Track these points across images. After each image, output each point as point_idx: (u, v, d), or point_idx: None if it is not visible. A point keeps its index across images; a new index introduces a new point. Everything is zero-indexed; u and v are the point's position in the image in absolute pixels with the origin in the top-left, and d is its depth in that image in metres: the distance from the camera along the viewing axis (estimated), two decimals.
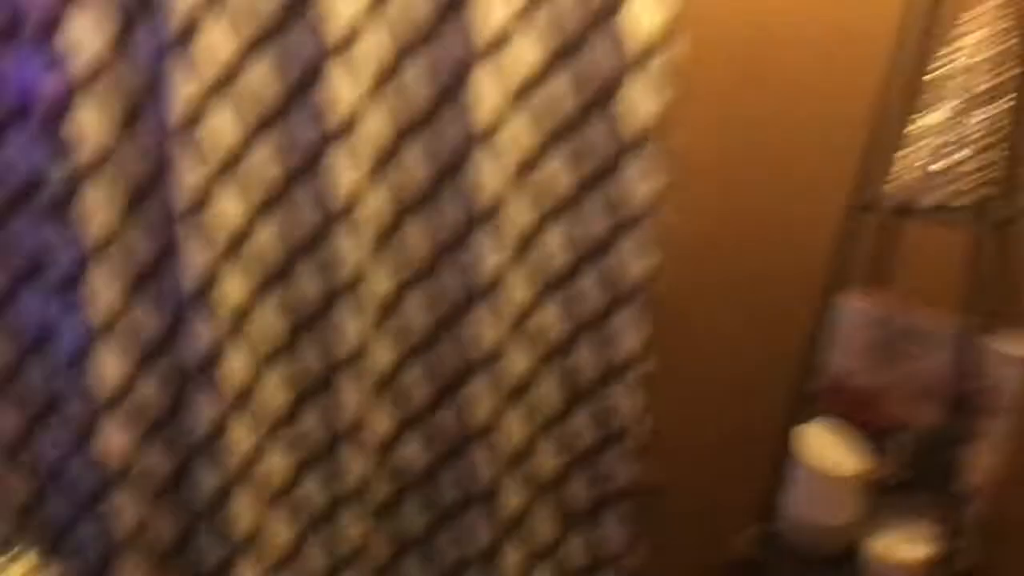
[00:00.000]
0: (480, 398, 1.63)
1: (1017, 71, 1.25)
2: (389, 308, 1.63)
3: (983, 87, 1.25)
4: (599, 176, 1.56)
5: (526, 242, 1.62)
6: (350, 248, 1.53)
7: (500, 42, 1.46)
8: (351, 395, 1.61)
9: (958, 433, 1.33)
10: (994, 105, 1.27)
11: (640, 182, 1.54)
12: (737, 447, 1.77)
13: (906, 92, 1.37)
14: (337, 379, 1.60)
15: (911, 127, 1.33)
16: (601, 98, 1.51)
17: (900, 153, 1.34)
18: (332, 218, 1.51)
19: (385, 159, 1.55)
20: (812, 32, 1.55)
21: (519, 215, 1.59)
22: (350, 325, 1.57)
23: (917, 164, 1.31)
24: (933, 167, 1.28)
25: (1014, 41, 1.25)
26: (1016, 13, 1.25)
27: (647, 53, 1.46)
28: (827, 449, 1.45)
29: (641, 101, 1.50)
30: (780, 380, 1.55)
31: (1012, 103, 1.23)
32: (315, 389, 1.62)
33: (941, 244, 1.39)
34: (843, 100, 1.51)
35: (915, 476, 1.40)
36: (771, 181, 1.64)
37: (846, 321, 1.46)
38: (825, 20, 1.54)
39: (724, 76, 1.60)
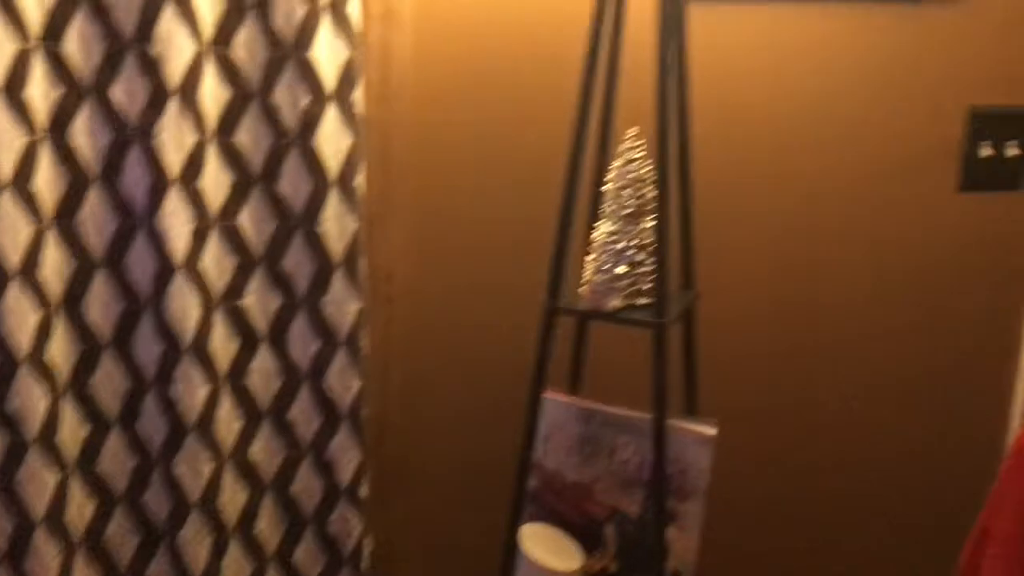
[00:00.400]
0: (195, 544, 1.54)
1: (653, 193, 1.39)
2: (87, 456, 1.52)
3: (632, 205, 1.38)
4: (305, 297, 1.56)
5: (233, 369, 1.57)
6: (38, 396, 1.42)
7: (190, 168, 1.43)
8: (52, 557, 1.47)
9: (661, 517, 1.42)
10: (647, 219, 1.40)
11: (344, 303, 1.56)
12: (467, 549, 1.79)
13: (590, 201, 1.49)
14: (36, 538, 1.46)
15: (595, 234, 1.44)
16: (300, 222, 1.52)
17: (588, 257, 1.44)
18: (17, 364, 1.40)
19: (73, 299, 1.46)
20: (508, 152, 1.66)
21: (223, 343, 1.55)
22: (49, 479, 1.45)
23: (603, 268, 1.41)
24: (616, 270, 1.39)
25: (647, 168, 1.40)
26: (648, 144, 1.40)
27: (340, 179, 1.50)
28: (546, 546, 1.50)
29: (338, 224, 1.53)
30: (503, 480, 1.59)
31: (655, 220, 1.37)
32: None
33: (631, 340, 1.51)
34: (541, 205, 1.63)
35: (627, 564, 1.48)
36: (482, 281, 1.71)
37: (551, 418, 1.52)
38: (514, 136, 1.65)
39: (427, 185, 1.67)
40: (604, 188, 1.44)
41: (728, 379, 1.75)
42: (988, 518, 1.29)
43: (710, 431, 1.45)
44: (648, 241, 1.41)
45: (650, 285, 1.41)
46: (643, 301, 1.41)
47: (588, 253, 1.46)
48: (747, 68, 1.65)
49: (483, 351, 1.73)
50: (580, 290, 1.45)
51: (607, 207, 1.42)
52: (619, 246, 1.40)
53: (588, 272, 1.44)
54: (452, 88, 1.63)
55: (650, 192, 1.40)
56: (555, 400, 1.53)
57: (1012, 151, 1.74)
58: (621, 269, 1.40)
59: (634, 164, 1.40)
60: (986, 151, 1.74)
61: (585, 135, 1.39)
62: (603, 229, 1.42)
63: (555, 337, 1.45)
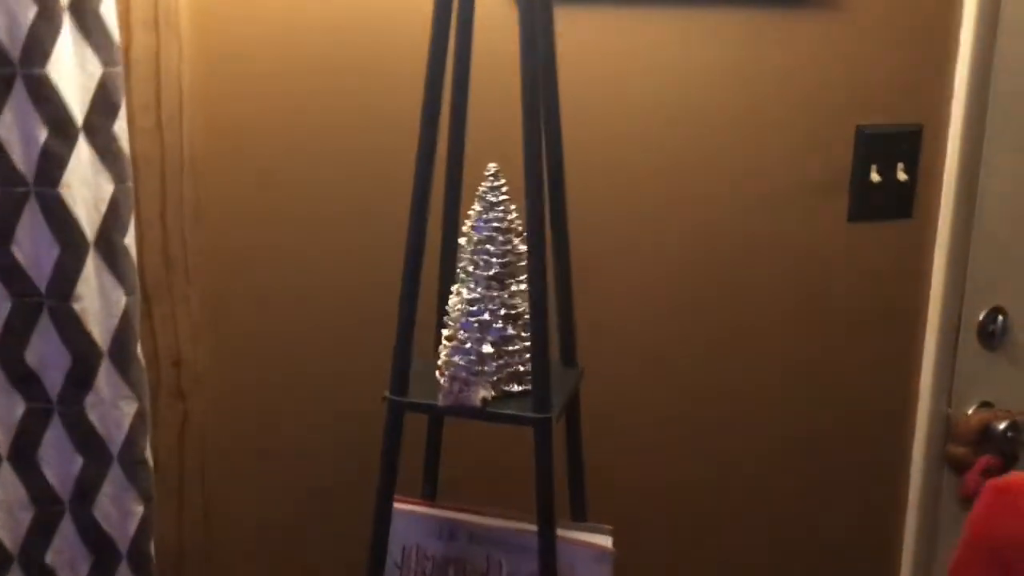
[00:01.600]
0: None
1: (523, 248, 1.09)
2: None
3: (496, 264, 1.07)
4: None
5: None
6: None
7: None
8: None
9: None
10: (517, 280, 1.09)
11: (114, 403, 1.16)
12: None
13: (440, 259, 1.16)
14: None
15: (451, 301, 1.11)
16: (47, 299, 1.11)
17: (444, 333, 1.12)
18: None
19: None
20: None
21: None
22: None
23: (464, 347, 1.09)
24: (482, 349, 1.07)
25: (513, 216, 1.09)
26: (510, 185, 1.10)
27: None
28: None
29: (102, 299, 1.13)
30: None
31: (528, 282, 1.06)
32: None
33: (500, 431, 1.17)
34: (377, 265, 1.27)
35: None
36: (302, 368, 1.34)
37: (403, 535, 1.18)
38: (333, 174, 1.30)
39: None
40: (460, 242, 1.11)
41: (617, 464, 1.44)
42: None
43: (606, 543, 1.15)
44: (519, 309, 1.09)
45: (525, 367, 1.09)
46: (517, 388, 1.09)
47: (443, 327, 1.13)
48: (611, 90, 1.37)
49: (309, 455, 1.35)
50: (438, 375, 1.12)
51: (465, 267, 1.10)
52: (483, 317, 1.08)
53: (445, 353, 1.11)
54: (247, 113, 1.25)
55: (519, 245, 1.09)
56: (408, 511, 1.19)
57: (902, 176, 1.55)
58: (487, 348, 1.08)
59: (496, 211, 1.08)
60: (876, 176, 1.53)
61: (430, 173, 1.06)
62: (461, 296, 1.09)
63: (400, 438, 1.11)
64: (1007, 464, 1.67)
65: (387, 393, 1.09)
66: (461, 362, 1.09)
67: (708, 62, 1.40)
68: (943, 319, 1.61)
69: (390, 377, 1.09)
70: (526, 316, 1.09)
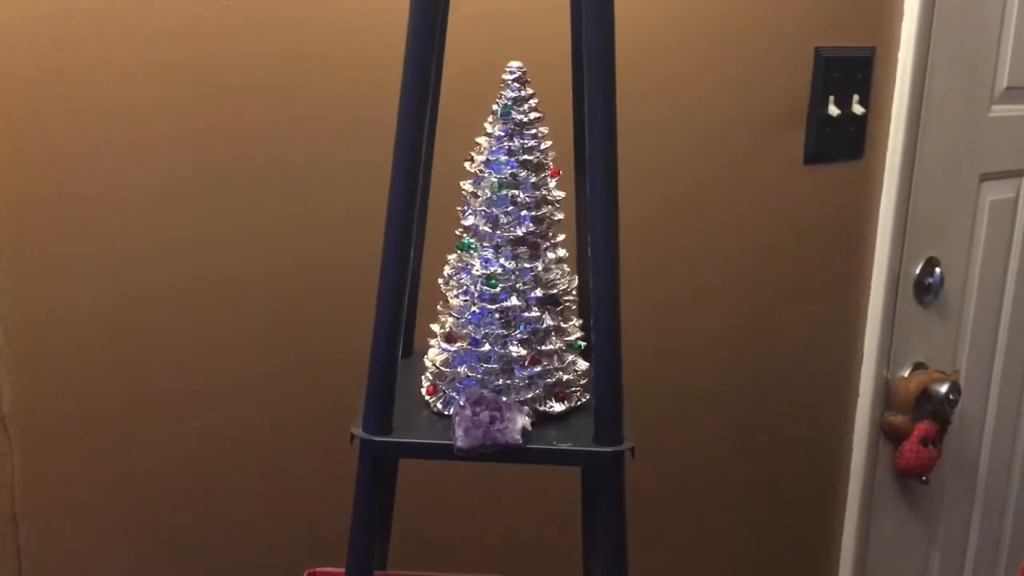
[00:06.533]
0: None
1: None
2: None
3: (528, 215, 0.69)
4: None
5: None
6: None
7: None
8: None
9: None
10: (556, 244, 0.72)
11: None
12: None
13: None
14: None
15: (446, 274, 0.72)
16: None
17: (437, 332, 0.72)
18: None
19: None
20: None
21: None
22: None
23: (477, 350, 0.70)
24: (512, 350, 0.68)
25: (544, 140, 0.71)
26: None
27: None
28: None
29: None
30: None
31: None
32: None
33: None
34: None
35: None
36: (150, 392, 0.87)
37: None
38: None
39: None
40: (464, 186, 0.71)
41: None
42: None
43: None
44: (561, 288, 0.71)
45: (569, 374, 0.72)
46: (559, 407, 0.72)
47: (439, 321, 0.73)
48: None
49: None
50: (426, 394, 0.72)
51: (475, 225, 0.70)
52: (510, 302, 0.69)
53: (442, 360, 0.71)
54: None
55: (555, 191, 0.71)
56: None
57: (858, 108, 1.32)
58: (517, 350, 0.70)
59: (527, 135, 0.69)
60: (834, 109, 1.29)
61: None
62: (471, 270, 0.70)
63: (378, 498, 0.70)
64: (942, 429, 1.53)
65: (358, 429, 0.67)
66: (475, 374, 0.70)
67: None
68: (889, 273, 1.41)
69: (363, 405, 0.67)
70: (567, 298, 0.72)
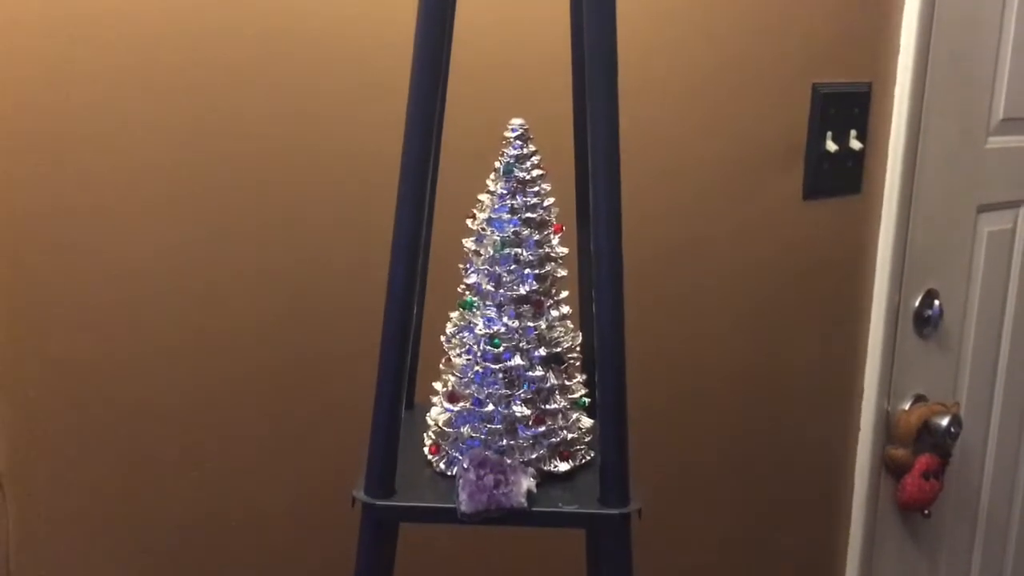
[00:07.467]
0: None
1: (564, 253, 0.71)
2: None
3: (530, 274, 0.68)
4: None
5: None
6: None
7: None
8: None
9: None
10: (559, 302, 0.71)
11: None
12: None
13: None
14: None
15: (448, 333, 0.71)
16: None
17: (439, 389, 0.71)
18: None
19: None
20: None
21: None
22: None
23: (480, 413, 0.69)
24: (515, 410, 0.67)
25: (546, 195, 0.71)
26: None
27: None
28: None
29: None
30: None
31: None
32: None
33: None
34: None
35: None
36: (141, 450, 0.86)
37: None
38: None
39: None
40: (467, 243, 0.70)
41: None
42: None
43: None
44: (564, 347, 0.70)
45: (573, 433, 0.71)
46: (563, 467, 0.71)
47: (441, 380, 0.72)
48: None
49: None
50: (427, 453, 0.71)
51: (477, 284, 0.69)
52: (514, 361, 0.68)
53: (444, 420, 0.70)
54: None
55: (558, 247, 0.70)
56: None
57: (855, 144, 1.32)
58: (521, 410, 0.69)
59: (530, 193, 0.69)
60: (832, 145, 1.29)
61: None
62: (474, 329, 0.69)
63: (380, 565, 0.69)
64: (943, 462, 1.52)
65: (359, 492, 0.66)
66: (478, 434, 0.69)
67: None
68: (888, 306, 1.41)
69: (365, 468, 0.66)
70: (571, 356, 0.71)
